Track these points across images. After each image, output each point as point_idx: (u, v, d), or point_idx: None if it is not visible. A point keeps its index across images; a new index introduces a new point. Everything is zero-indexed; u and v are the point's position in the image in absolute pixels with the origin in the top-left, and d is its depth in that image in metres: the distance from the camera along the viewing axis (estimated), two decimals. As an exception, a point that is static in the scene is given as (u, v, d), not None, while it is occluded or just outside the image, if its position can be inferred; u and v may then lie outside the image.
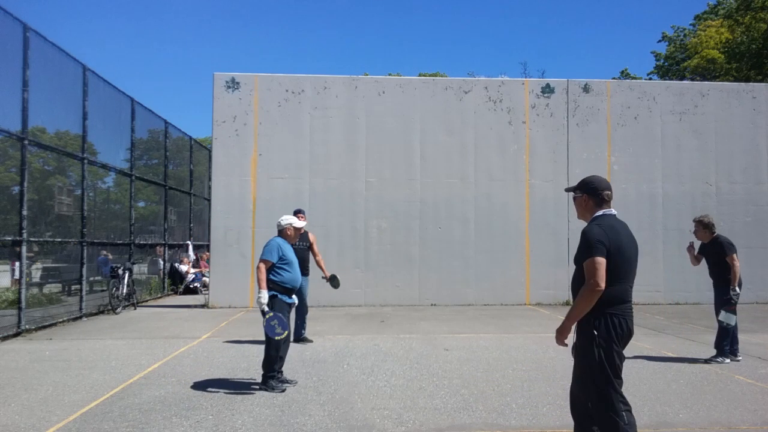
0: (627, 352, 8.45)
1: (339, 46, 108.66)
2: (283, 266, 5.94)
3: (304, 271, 8.21)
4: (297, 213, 8.52)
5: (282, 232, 6.17)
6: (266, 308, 5.75)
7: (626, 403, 3.39)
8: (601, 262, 3.27)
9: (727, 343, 7.27)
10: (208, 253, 16.52)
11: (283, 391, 5.73)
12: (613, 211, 3.56)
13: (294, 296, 6.12)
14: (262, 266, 5.91)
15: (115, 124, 13.33)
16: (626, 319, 3.44)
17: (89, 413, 5.09)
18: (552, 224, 13.83)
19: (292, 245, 6.19)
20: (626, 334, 3.46)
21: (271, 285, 5.90)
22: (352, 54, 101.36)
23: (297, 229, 6.22)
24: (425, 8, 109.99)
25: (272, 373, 5.83)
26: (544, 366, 6.96)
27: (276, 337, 5.70)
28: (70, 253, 11.46)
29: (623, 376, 3.52)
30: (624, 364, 3.49)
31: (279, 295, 5.90)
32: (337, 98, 13.64)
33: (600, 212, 3.52)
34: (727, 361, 7.20)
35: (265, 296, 5.79)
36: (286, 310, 5.91)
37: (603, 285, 3.25)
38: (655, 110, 14.17)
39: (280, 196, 13.23)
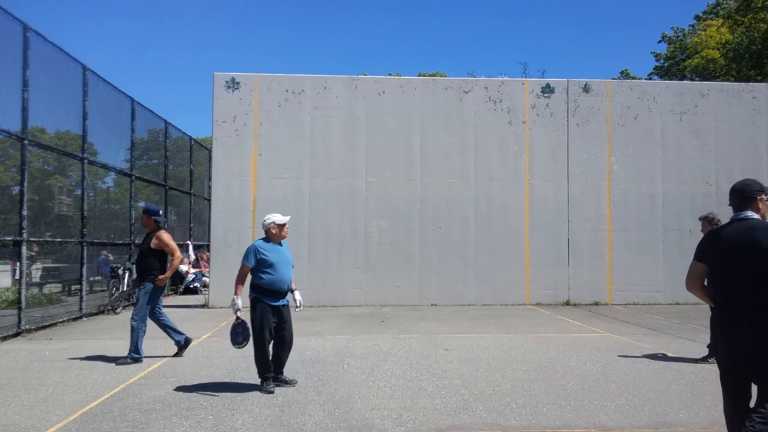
0: (627, 351, 8.45)
1: (339, 46, 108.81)
2: (264, 269, 5.82)
3: (142, 276, 7.41)
4: (145, 213, 7.65)
5: (267, 232, 6.01)
6: (238, 314, 5.76)
7: (731, 405, 3.47)
8: (693, 264, 3.64)
9: None
10: (208, 253, 16.52)
11: (271, 392, 5.68)
12: (742, 215, 3.49)
13: (284, 299, 5.96)
14: (238, 272, 5.88)
15: (115, 124, 13.32)
16: (722, 329, 3.42)
17: (89, 413, 5.09)
18: (552, 224, 13.83)
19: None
20: (727, 348, 3.38)
21: (254, 288, 5.84)
22: (352, 54, 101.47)
23: (281, 226, 6.01)
24: (425, 8, 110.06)
25: (265, 374, 5.81)
26: (544, 366, 6.96)
27: (235, 346, 5.78)
28: (70, 253, 11.46)
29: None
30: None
31: (262, 299, 5.81)
32: (337, 98, 13.64)
33: (732, 216, 3.58)
34: None
35: (238, 302, 5.76)
36: (268, 313, 5.80)
37: (688, 284, 3.66)
38: (655, 110, 14.17)
39: (280, 196, 13.23)
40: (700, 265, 3.58)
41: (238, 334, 5.70)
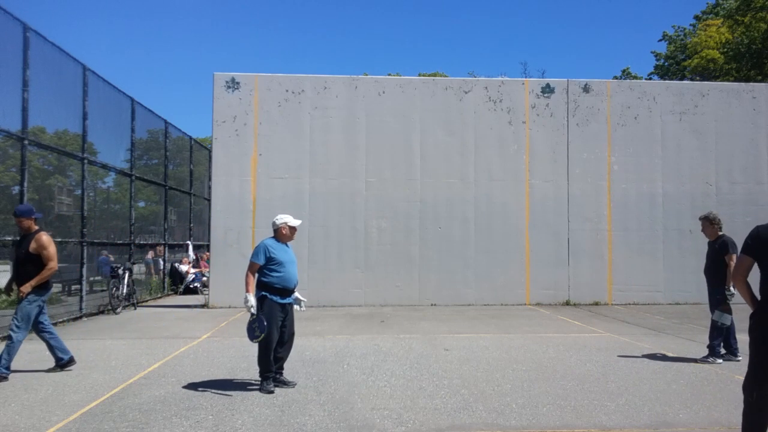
0: (627, 351, 8.44)
1: (339, 46, 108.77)
2: (272, 267, 5.87)
3: (23, 285, 6.36)
4: (19, 215, 6.59)
5: (277, 231, 6.09)
6: (252, 311, 5.74)
7: (753, 385, 3.55)
8: (741, 257, 3.76)
9: (719, 343, 7.21)
10: (208, 253, 16.50)
11: (271, 392, 5.69)
12: None
13: (290, 297, 6.03)
14: (248, 270, 5.89)
15: (115, 124, 13.32)
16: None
17: (89, 413, 5.09)
18: (552, 224, 13.83)
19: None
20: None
21: (262, 286, 5.87)
22: (352, 54, 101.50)
23: (293, 228, 6.12)
24: (425, 8, 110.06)
25: (267, 373, 5.82)
26: (544, 366, 6.96)
27: (253, 340, 5.75)
28: (70, 253, 11.45)
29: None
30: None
31: (269, 296, 5.84)
32: (337, 98, 13.64)
33: None
34: (719, 361, 7.13)
35: (251, 299, 5.77)
36: (277, 311, 5.85)
37: (735, 277, 3.77)
38: (655, 110, 14.17)
39: (280, 196, 13.23)
40: (749, 258, 3.64)
41: (254, 329, 5.69)
